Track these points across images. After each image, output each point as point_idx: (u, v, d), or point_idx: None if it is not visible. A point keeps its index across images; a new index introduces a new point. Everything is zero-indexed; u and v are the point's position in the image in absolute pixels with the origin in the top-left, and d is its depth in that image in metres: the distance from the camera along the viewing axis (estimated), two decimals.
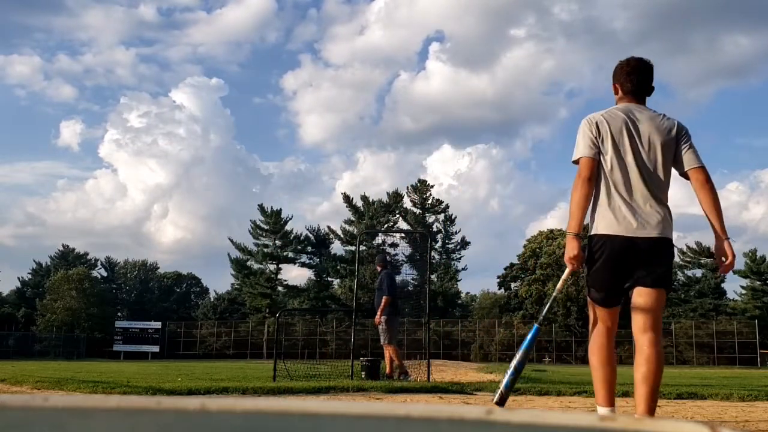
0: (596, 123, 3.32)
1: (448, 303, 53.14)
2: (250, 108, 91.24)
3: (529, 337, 3.56)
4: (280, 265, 53.93)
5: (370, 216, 51.94)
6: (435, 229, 53.17)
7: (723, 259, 3.33)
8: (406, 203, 54.10)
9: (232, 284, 58.15)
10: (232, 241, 55.03)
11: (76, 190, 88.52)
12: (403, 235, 27.51)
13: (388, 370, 9.51)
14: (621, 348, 46.48)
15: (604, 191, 3.29)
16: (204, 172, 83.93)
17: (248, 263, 54.27)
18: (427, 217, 53.89)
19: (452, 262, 54.24)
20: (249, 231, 54.84)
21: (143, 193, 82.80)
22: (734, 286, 67.97)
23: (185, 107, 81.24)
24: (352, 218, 53.44)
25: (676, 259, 51.45)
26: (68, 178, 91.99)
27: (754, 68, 77.64)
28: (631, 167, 3.25)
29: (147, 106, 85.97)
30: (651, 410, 3.19)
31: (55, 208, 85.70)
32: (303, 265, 55.41)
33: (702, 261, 50.73)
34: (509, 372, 3.44)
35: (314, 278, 55.13)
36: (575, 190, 3.28)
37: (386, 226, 50.95)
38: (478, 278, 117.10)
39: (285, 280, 54.62)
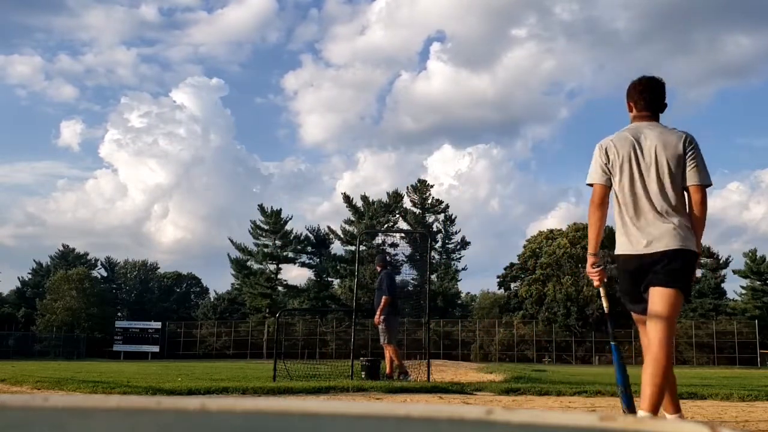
0: (605, 149, 3.52)
1: (448, 303, 53.14)
2: (250, 108, 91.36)
3: (614, 358, 3.82)
4: (280, 265, 53.94)
5: (370, 216, 51.94)
6: (435, 229, 53.17)
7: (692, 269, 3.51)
8: (406, 203, 54.16)
9: (232, 284, 58.22)
10: (232, 241, 55.10)
11: (76, 190, 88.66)
12: (403, 235, 27.51)
13: (388, 370, 9.51)
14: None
15: (617, 213, 3.50)
16: (204, 172, 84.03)
17: (248, 263, 54.27)
18: (427, 217, 53.89)
19: (452, 262, 54.24)
20: (249, 231, 54.91)
21: (143, 193, 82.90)
22: (734, 286, 68.08)
23: (186, 107, 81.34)
24: (352, 218, 53.45)
25: None
26: (68, 178, 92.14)
27: (755, 68, 77.75)
28: (640, 189, 3.42)
29: (148, 106, 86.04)
30: (655, 409, 3.25)
31: (55, 208, 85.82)
32: (303, 265, 55.47)
33: (702, 261, 50.73)
34: (621, 393, 3.66)
35: (314, 278, 55.14)
36: (589, 216, 3.55)
37: (386, 226, 50.95)
38: (478, 278, 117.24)
39: (285, 280, 54.69)
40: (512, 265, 53.89)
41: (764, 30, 77.30)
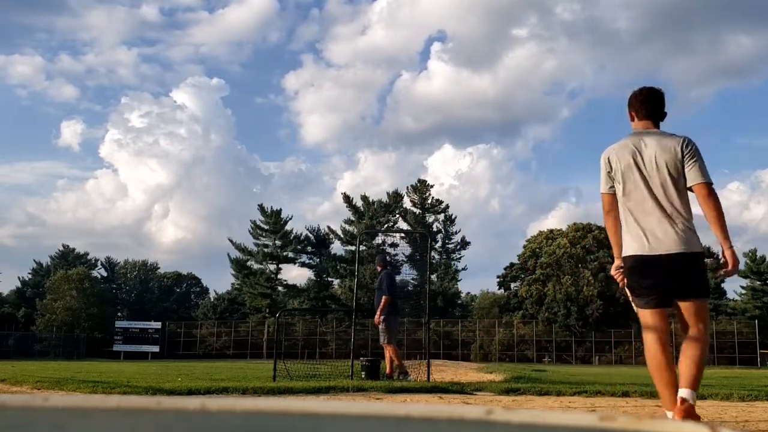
0: (608, 158, 3.71)
1: (448, 303, 53.14)
2: (251, 108, 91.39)
3: None
4: (280, 265, 53.94)
5: (370, 216, 51.94)
6: (435, 229, 53.17)
7: (725, 264, 3.61)
8: (406, 203, 54.17)
9: (232, 284, 58.23)
10: (231, 241, 55.10)
11: (76, 190, 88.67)
12: (402, 235, 27.52)
13: (388, 370, 9.51)
14: (621, 348, 46.48)
15: (623, 218, 3.67)
16: (205, 172, 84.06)
17: (248, 263, 54.27)
18: (427, 217, 53.89)
19: (452, 262, 54.24)
20: (249, 231, 54.91)
21: (144, 193, 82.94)
22: (734, 286, 67.75)
23: (186, 107, 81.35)
24: (352, 218, 53.46)
25: None
26: (68, 178, 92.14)
27: (756, 68, 77.77)
28: (642, 194, 3.58)
29: (148, 106, 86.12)
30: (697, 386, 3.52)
31: (55, 208, 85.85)
32: (303, 265, 55.48)
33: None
34: None
35: (314, 278, 55.14)
36: (605, 224, 3.81)
37: (386, 226, 50.94)
38: (478, 278, 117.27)
39: (285, 280, 54.70)
40: (512, 265, 53.89)
41: (765, 30, 77.34)
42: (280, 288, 54.20)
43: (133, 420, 0.49)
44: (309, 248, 54.68)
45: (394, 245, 15.70)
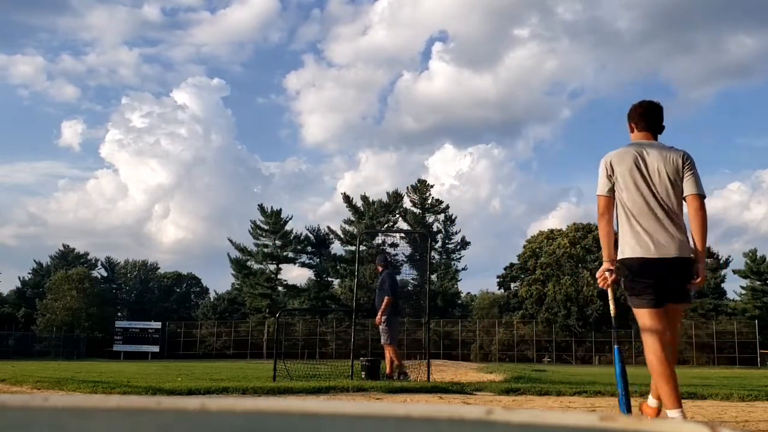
0: (610, 162, 3.82)
1: (448, 303, 53.13)
2: (252, 108, 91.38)
3: (617, 361, 3.96)
4: (280, 265, 53.94)
5: (370, 216, 51.95)
6: (435, 229, 53.18)
7: (694, 277, 3.76)
8: (406, 203, 54.18)
9: (232, 284, 58.22)
10: (231, 241, 55.11)
11: (77, 190, 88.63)
12: (402, 235, 27.51)
13: (388, 370, 9.51)
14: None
15: (624, 221, 3.78)
16: (205, 172, 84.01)
17: (248, 263, 54.28)
18: (427, 217, 53.91)
19: (452, 262, 54.25)
20: (249, 231, 54.90)
21: (144, 193, 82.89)
22: (734, 286, 68.05)
23: (187, 107, 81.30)
24: (352, 218, 53.47)
25: None
26: (69, 178, 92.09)
27: (757, 68, 77.67)
28: (644, 198, 3.73)
29: (149, 106, 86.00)
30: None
31: (56, 208, 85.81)
32: (303, 265, 55.47)
33: None
34: (621, 397, 3.78)
35: (314, 278, 55.14)
36: (598, 226, 3.89)
37: (386, 226, 50.95)
38: (478, 278, 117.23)
39: (285, 280, 54.69)
40: (512, 265, 53.90)
41: (765, 30, 77.33)
42: (280, 288, 54.20)
43: (133, 420, 0.49)
44: (309, 248, 54.69)
45: (394, 245, 15.70)
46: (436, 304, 46.27)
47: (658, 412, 3.85)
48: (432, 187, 55.05)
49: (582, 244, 48.87)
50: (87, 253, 64.67)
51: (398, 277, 11.93)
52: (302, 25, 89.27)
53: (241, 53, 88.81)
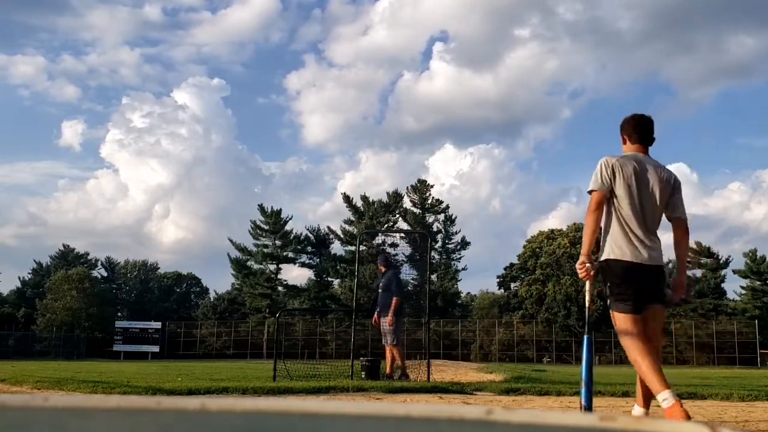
0: (612, 165, 3.97)
1: (448, 303, 53.14)
2: (252, 108, 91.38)
3: (585, 351, 4.14)
4: (280, 265, 53.94)
5: (370, 216, 51.95)
6: (435, 229, 53.18)
7: (676, 290, 4.02)
8: (406, 203, 54.18)
9: (232, 284, 58.22)
10: (231, 241, 55.11)
11: (77, 190, 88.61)
12: (402, 235, 27.51)
13: (388, 370, 9.51)
14: (621, 348, 46.46)
15: (616, 224, 3.94)
16: (206, 173, 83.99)
17: (248, 263, 54.28)
18: (427, 217, 53.91)
19: (452, 262, 54.25)
20: (249, 231, 54.91)
21: (144, 193, 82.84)
22: (734, 286, 67.89)
23: (188, 107, 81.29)
24: (352, 218, 53.47)
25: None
26: (69, 178, 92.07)
27: (757, 68, 77.68)
28: (638, 207, 3.92)
29: (150, 106, 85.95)
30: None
31: (56, 208, 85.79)
32: (303, 265, 55.46)
33: (702, 261, 50.73)
34: (583, 388, 3.99)
35: (314, 278, 55.14)
36: (586, 220, 4.01)
37: (386, 226, 50.95)
38: (478, 278, 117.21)
39: (285, 280, 54.69)
40: (512, 265, 53.91)
41: (766, 30, 77.32)
42: (280, 288, 54.20)
43: (133, 420, 0.49)
44: (309, 248, 54.69)
45: (394, 245, 15.70)
46: (436, 304, 46.27)
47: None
48: (432, 187, 55.12)
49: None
50: (87, 253, 64.75)
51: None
52: (303, 25, 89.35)
53: (242, 53, 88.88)
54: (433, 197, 54.56)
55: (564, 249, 48.90)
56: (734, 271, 50.99)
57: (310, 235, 54.85)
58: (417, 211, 53.85)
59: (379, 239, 28.04)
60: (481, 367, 15.08)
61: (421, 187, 54.46)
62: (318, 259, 54.88)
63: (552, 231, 52.57)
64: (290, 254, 54.27)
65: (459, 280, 54.53)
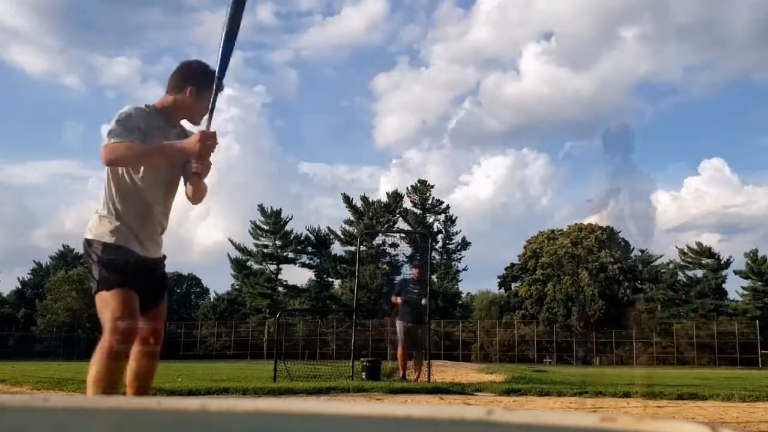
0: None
1: (448, 303, 53.14)
2: (331, 111, 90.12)
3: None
4: (280, 266, 53.95)
5: (370, 216, 51.97)
6: (435, 230, 53.20)
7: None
8: (406, 204, 54.21)
9: (233, 284, 58.24)
10: (231, 241, 55.14)
11: (78, 189, 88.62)
12: (403, 235, 27.54)
13: (416, 375, 9.46)
14: (622, 348, 46.45)
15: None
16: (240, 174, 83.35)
17: (248, 263, 54.29)
18: (428, 218, 53.93)
19: (453, 263, 54.26)
20: (249, 231, 54.94)
21: None
22: (735, 287, 67.64)
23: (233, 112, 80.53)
24: (352, 218, 53.50)
25: (677, 259, 51.54)
26: (70, 178, 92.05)
27: None
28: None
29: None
30: None
31: (56, 207, 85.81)
32: (303, 265, 55.44)
33: (703, 261, 50.73)
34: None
35: (314, 278, 55.15)
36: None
37: (386, 226, 50.97)
38: (478, 278, 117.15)
39: (285, 281, 54.69)
40: (513, 265, 53.91)
41: None
42: (280, 288, 54.21)
43: (133, 420, 0.49)
44: (309, 248, 54.70)
45: (394, 245, 15.71)
46: (437, 305, 46.26)
47: None
48: (432, 187, 55.14)
49: (583, 244, 48.88)
50: None
51: (398, 278, 11.97)
52: (405, 26, 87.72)
53: (338, 56, 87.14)
54: (433, 197, 54.67)
55: (565, 249, 48.90)
56: (735, 272, 51.01)
57: (311, 236, 54.88)
58: (417, 211, 53.89)
59: (379, 239, 28.06)
60: (482, 367, 15.08)
61: (421, 188, 54.51)
62: (318, 260, 54.90)
63: (553, 231, 52.57)
64: (290, 254, 54.30)
65: (459, 281, 54.59)
